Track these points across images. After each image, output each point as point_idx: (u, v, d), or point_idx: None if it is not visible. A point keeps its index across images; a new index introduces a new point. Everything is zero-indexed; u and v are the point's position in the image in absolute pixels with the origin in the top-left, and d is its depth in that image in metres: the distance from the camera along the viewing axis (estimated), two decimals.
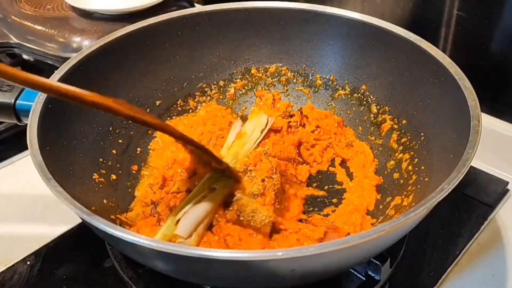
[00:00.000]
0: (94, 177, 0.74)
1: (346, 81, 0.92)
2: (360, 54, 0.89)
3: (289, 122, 0.88)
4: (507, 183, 0.86)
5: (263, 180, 0.71)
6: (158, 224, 0.71)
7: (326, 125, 0.89)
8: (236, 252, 0.54)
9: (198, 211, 0.68)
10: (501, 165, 0.90)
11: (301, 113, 0.90)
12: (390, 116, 0.85)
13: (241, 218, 0.69)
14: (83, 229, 0.77)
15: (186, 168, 0.78)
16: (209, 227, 0.69)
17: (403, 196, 0.73)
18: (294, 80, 0.97)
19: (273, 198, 0.70)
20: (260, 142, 0.84)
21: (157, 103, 0.91)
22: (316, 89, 0.96)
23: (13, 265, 0.75)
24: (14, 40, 1.10)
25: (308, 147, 0.86)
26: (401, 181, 0.77)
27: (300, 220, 0.74)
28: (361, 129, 0.90)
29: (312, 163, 0.85)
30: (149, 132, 0.89)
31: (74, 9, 1.15)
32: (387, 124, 0.85)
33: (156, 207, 0.73)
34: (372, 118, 0.89)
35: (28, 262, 0.76)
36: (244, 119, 0.92)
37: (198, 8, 1.08)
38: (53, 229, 0.81)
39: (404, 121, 0.82)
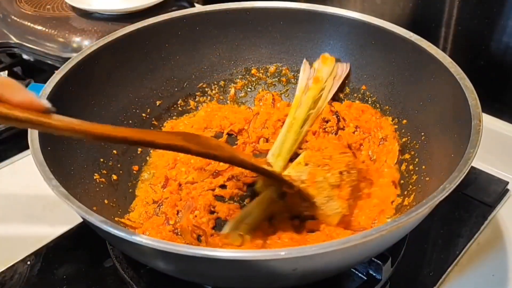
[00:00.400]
0: (95, 177, 0.74)
1: (346, 81, 0.92)
2: (360, 54, 0.89)
3: (325, 128, 0.85)
4: (507, 183, 0.86)
5: (341, 173, 0.68)
6: (166, 223, 0.71)
7: (365, 122, 0.85)
8: (239, 251, 0.54)
9: (241, 212, 0.72)
10: (501, 165, 0.90)
11: (337, 117, 0.86)
12: (390, 116, 0.86)
13: (315, 200, 0.67)
14: (83, 229, 0.78)
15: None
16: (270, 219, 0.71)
17: (404, 196, 0.73)
18: (294, 80, 0.97)
19: (349, 193, 0.68)
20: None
21: (157, 103, 0.91)
22: None
23: (13, 265, 0.75)
24: (14, 40, 1.10)
25: (358, 147, 0.83)
26: (402, 181, 0.77)
27: None
28: None
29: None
30: None
31: (74, 9, 1.15)
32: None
33: (160, 207, 0.73)
34: None
35: (28, 262, 0.76)
36: None
37: (198, 8, 1.08)
38: (53, 229, 0.81)
39: (404, 121, 0.82)
